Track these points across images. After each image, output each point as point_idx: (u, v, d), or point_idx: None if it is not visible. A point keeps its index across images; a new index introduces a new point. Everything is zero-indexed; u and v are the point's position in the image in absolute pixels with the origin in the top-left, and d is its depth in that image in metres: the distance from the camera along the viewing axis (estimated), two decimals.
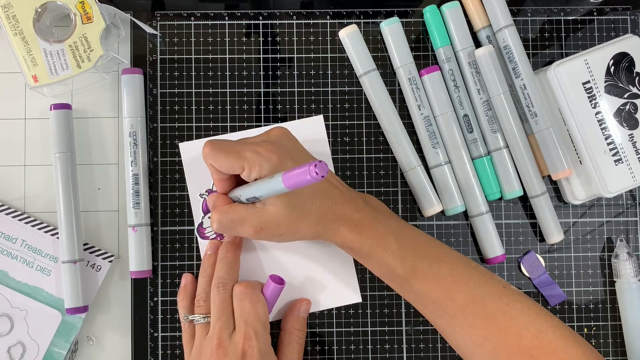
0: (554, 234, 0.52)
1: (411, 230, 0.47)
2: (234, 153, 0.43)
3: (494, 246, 0.51)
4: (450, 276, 0.45)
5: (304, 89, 0.53)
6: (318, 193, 0.44)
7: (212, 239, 0.51)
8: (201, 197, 0.51)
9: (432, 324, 0.48)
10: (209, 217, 0.51)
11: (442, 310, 0.45)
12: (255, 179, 0.43)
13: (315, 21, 0.53)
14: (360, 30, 0.52)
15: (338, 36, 0.53)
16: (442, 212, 0.52)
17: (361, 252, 0.46)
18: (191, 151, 0.52)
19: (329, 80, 0.53)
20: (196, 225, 0.51)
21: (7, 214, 0.51)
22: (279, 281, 0.47)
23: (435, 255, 0.46)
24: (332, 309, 0.52)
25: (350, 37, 0.52)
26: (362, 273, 0.52)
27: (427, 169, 0.52)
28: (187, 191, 0.52)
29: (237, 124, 0.52)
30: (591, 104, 0.49)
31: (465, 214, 0.53)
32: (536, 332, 0.43)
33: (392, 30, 0.52)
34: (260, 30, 0.53)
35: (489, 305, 0.44)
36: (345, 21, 0.53)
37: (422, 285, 0.45)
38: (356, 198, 0.46)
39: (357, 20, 0.53)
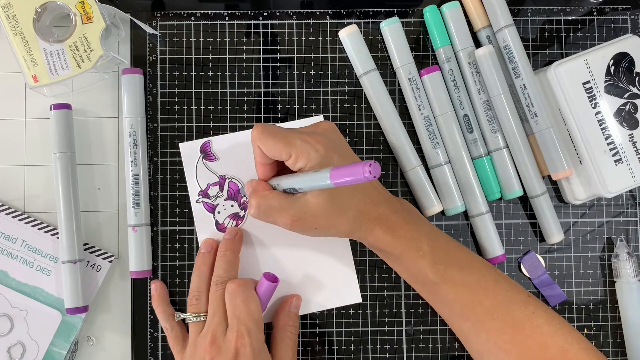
0: (554, 234, 0.52)
1: (442, 235, 0.47)
2: (283, 139, 0.44)
3: (494, 246, 0.51)
4: (478, 281, 0.45)
5: (304, 89, 0.53)
6: (358, 191, 0.45)
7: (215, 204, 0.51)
8: (197, 203, 0.51)
9: (454, 330, 0.49)
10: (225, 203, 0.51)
11: (469, 313, 0.45)
12: (300, 169, 0.43)
13: (315, 21, 0.53)
14: (360, 30, 0.52)
15: (338, 36, 0.53)
16: (442, 212, 0.52)
17: (392, 254, 0.46)
18: (191, 151, 0.52)
19: (329, 80, 0.53)
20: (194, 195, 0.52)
21: (7, 214, 0.51)
22: (273, 279, 0.47)
23: (465, 260, 0.46)
24: (332, 309, 0.52)
25: (350, 37, 0.52)
26: (362, 273, 0.52)
27: (427, 169, 0.52)
28: (187, 191, 0.52)
29: (237, 124, 0.52)
30: (591, 104, 0.49)
31: (465, 214, 0.53)
32: (562, 343, 0.43)
33: (392, 30, 0.52)
34: (260, 30, 0.53)
35: (516, 311, 0.45)
36: (345, 21, 0.53)
37: (451, 289, 0.45)
38: (392, 200, 0.47)
39: (357, 20, 0.53)
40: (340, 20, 0.53)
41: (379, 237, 0.45)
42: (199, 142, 0.52)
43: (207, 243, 0.50)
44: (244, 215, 0.52)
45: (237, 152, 0.52)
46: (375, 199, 0.45)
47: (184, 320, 0.49)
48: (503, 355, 0.44)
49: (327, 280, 0.51)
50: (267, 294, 0.47)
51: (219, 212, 0.51)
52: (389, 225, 0.45)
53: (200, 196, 0.52)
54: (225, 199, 0.51)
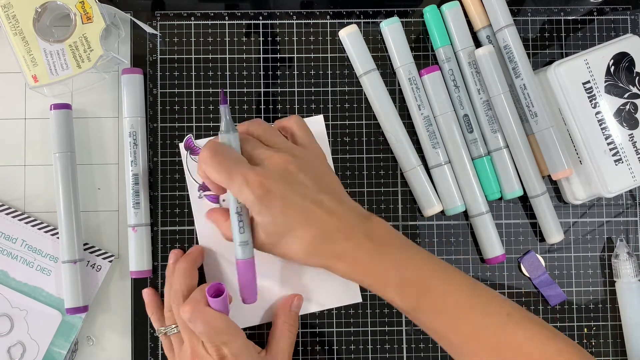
0: (554, 234, 0.52)
1: (415, 263, 0.44)
2: (226, 172, 0.42)
3: (494, 246, 0.51)
4: (454, 308, 0.43)
5: (304, 89, 0.53)
6: (312, 227, 0.43)
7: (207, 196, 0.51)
8: (200, 198, 0.51)
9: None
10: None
11: (446, 341, 0.44)
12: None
13: (315, 21, 0.53)
14: (361, 30, 0.52)
15: (338, 36, 0.53)
16: (442, 212, 0.52)
17: (362, 285, 0.46)
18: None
19: (329, 80, 0.53)
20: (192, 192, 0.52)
21: (7, 214, 0.51)
22: (216, 294, 0.45)
23: (439, 288, 0.43)
24: (332, 309, 0.52)
25: (350, 37, 0.52)
26: None
27: (427, 169, 0.52)
28: (187, 191, 0.52)
29: (237, 123, 0.52)
30: (591, 104, 0.49)
31: (465, 214, 0.53)
32: (549, 356, 0.41)
33: (392, 30, 0.52)
34: (260, 30, 0.53)
35: (492, 337, 0.43)
36: (345, 21, 0.53)
37: (425, 319, 0.44)
38: (356, 233, 0.43)
39: (357, 20, 0.53)
40: (340, 20, 0.53)
41: (344, 273, 0.43)
42: (198, 142, 0.52)
43: (174, 254, 0.50)
44: None
45: None
46: (333, 236, 0.42)
47: (165, 333, 0.48)
48: None
49: (327, 280, 0.51)
50: (222, 305, 0.45)
51: (224, 200, 0.51)
52: (350, 261, 0.43)
53: (201, 191, 0.51)
54: None
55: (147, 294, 0.51)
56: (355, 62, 0.52)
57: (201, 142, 0.52)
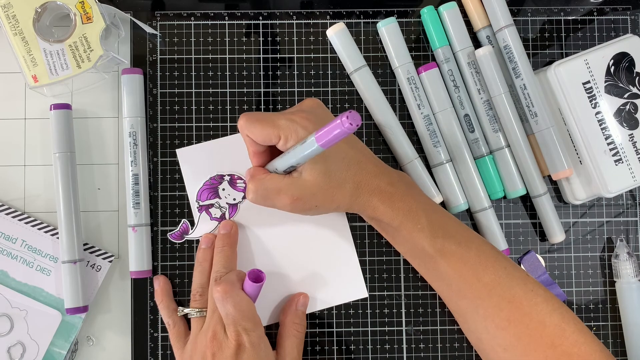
0: (557, 234, 0.52)
1: (441, 210, 0.48)
2: (269, 122, 0.44)
3: (497, 241, 0.51)
4: (477, 257, 0.45)
5: (304, 89, 0.53)
6: (353, 164, 0.45)
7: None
8: (199, 212, 0.52)
9: (451, 308, 0.49)
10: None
11: (467, 289, 0.45)
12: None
13: (315, 21, 0.53)
14: (360, 30, 0.52)
15: (326, 35, 0.53)
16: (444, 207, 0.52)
17: (391, 225, 0.46)
18: (189, 156, 0.52)
19: (329, 80, 0.53)
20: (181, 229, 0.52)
21: (7, 214, 0.51)
22: (257, 279, 0.46)
23: (463, 236, 0.46)
24: (332, 308, 0.52)
25: (338, 35, 0.51)
26: (362, 273, 0.52)
27: (429, 169, 0.52)
28: (187, 191, 0.52)
29: (236, 124, 0.52)
30: (591, 104, 0.49)
31: (469, 213, 0.53)
32: (559, 321, 0.43)
33: (388, 30, 0.52)
34: (260, 30, 0.53)
35: (515, 288, 0.44)
36: (345, 21, 0.53)
37: (449, 264, 0.45)
38: (390, 172, 0.47)
39: (358, 20, 0.53)
40: (341, 21, 0.53)
41: (377, 209, 0.45)
42: (197, 147, 0.52)
43: (207, 238, 0.50)
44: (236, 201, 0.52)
45: (200, 163, 0.52)
46: (372, 170, 0.46)
47: (186, 315, 0.49)
48: (501, 333, 0.44)
49: (332, 277, 0.51)
50: (255, 291, 0.47)
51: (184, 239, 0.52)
52: (386, 196, 0.45)
53: (204, 211, 0.52)
54: (218, 199, 0.52)
55: (159, 280, 0.51)
56: (345, 60, 0.52)
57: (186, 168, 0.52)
